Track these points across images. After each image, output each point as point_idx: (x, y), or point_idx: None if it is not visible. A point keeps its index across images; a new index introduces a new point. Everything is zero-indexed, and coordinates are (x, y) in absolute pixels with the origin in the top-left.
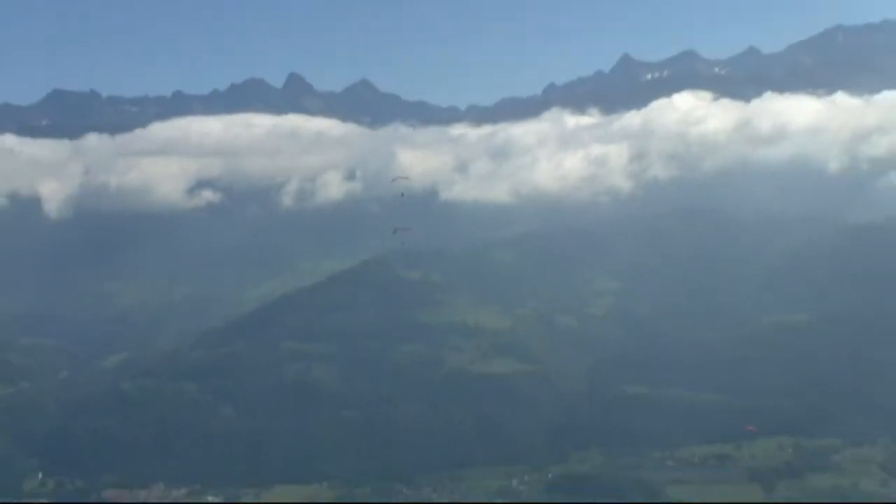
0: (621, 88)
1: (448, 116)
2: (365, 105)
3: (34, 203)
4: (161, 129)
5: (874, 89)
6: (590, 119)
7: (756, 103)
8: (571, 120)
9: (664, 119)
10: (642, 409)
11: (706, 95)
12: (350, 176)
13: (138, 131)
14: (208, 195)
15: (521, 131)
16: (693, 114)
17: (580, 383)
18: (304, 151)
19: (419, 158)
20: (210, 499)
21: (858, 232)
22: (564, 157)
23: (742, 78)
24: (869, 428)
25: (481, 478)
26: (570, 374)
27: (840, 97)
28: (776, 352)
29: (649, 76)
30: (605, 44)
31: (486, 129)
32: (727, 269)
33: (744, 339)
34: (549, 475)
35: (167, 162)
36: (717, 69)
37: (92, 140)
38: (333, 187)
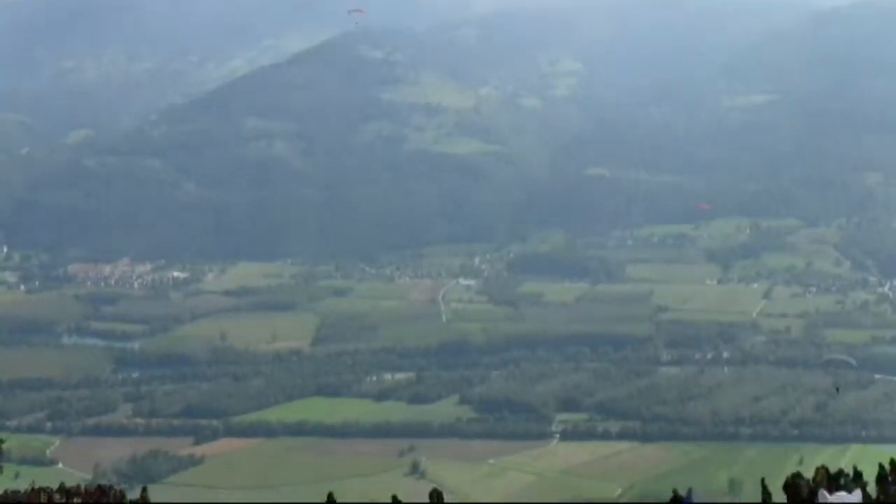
0: None
1: None
2: None
3: None
4: None
5: None
6: None
7: None
8: None
9: None
10: (603, 190)
11: None
12: None
13: None
14: None
15: None
16: None
17: (542, 164)
18: None
19: None
20: (175, 273)
21: (821, 17)
22: None
23: None
24: (824, 209)
25: (443, 255)
26: (533, 156)
27: None
28: (736, 134)
29: None
30: None
31: None
32: (690, 52)
33: (704, 122)
34: (511, 254)
35: None
36: None
37: None
38: None
